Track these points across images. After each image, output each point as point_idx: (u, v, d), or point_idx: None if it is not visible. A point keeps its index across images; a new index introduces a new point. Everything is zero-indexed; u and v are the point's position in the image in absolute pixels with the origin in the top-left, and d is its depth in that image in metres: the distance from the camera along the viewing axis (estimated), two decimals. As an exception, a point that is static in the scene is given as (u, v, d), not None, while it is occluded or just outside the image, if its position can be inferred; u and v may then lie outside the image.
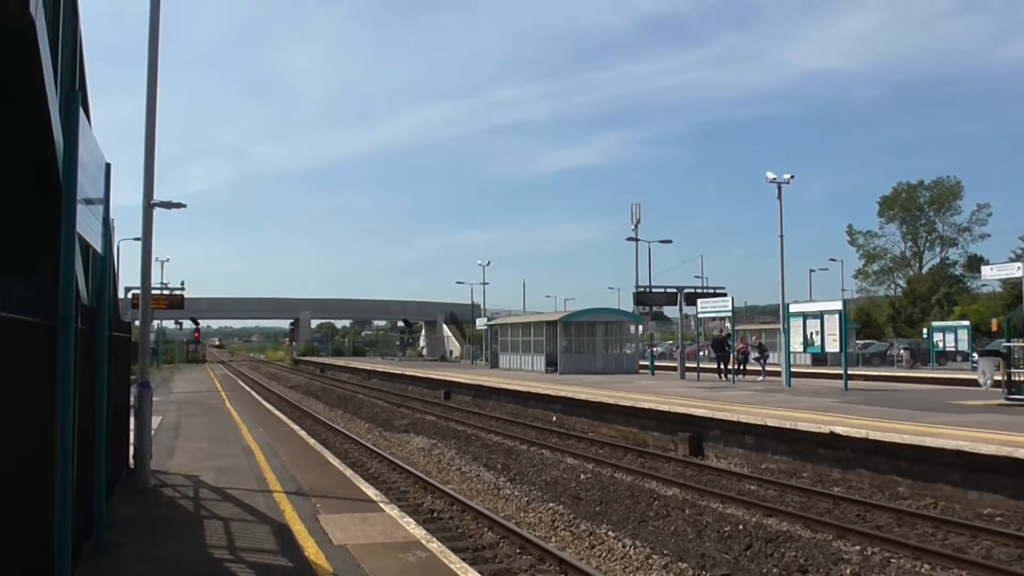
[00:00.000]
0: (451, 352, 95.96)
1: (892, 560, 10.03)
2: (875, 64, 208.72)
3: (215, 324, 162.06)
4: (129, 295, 38.01)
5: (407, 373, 46.98)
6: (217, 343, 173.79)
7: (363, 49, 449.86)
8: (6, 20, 4.27)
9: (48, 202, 5.99)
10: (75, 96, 5.79)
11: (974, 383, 26.22)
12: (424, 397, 37.09)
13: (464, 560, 8.31)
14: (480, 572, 7.77)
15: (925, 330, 54.31)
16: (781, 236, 29.48)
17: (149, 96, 12.08)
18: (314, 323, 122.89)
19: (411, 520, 9.95)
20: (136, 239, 21.95)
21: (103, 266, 8.69)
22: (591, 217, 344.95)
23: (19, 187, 6.81)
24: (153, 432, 17.18)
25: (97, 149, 7.31)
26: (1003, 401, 19.36)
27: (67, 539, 5.82)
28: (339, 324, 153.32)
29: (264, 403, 30.54)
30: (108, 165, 8.01)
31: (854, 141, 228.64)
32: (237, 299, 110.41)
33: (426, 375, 43.39)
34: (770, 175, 29.56)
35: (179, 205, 15.08)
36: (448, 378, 38.96)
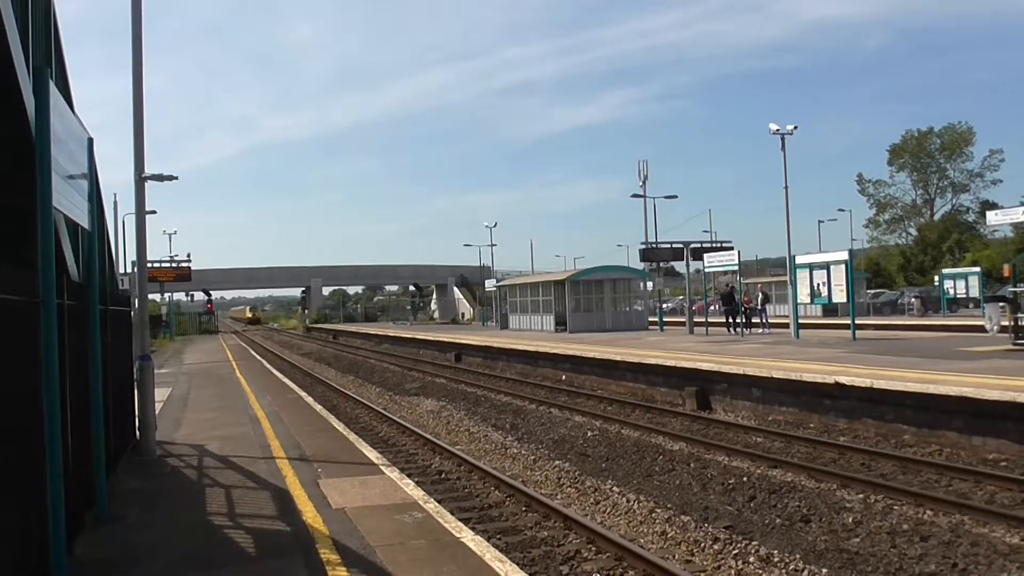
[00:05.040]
0: (462, 315, 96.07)
1: (894, 507, 10.05)
2: (882, 10, 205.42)
3: (228, 295, 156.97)
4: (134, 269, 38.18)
5: (418, 337, 47.13)
6: (249, 313, 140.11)
7: (364, 18, 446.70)
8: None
9: (26, 180, 5.97)
10: (44, 72, 5.75)
11: (982, 329, 26.11)
12: (435, 360, 37.25)
13: (461, 520, 8.37)
14: (474, 530, 7.83)
15: (936, 278, 53.93)
16: (786, 187, 29.22)
17: (135, 70, 12.00)
18: (326, 290, 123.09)
19: (410, 482, 10.01)
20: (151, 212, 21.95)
21: (91, 242, 8.69)
22: (600, 175, 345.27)
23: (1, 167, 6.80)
24: (162, 404, 17.38)
25: (77, 125, 7.28)
26: (1010, 346, 19.30)
27: (60, 511, 5.88)
28: (351, 290, 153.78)
29: (274, 372, 30.64)
30: (91, 140, 7.99)
31: (863, 90, 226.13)
32: (248, 269, 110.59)
33: (437, 338, 43.52)
34: (773, 126, 29.30)
35: (171, 177, 15.06)
36: (459, 340, 39.06)
